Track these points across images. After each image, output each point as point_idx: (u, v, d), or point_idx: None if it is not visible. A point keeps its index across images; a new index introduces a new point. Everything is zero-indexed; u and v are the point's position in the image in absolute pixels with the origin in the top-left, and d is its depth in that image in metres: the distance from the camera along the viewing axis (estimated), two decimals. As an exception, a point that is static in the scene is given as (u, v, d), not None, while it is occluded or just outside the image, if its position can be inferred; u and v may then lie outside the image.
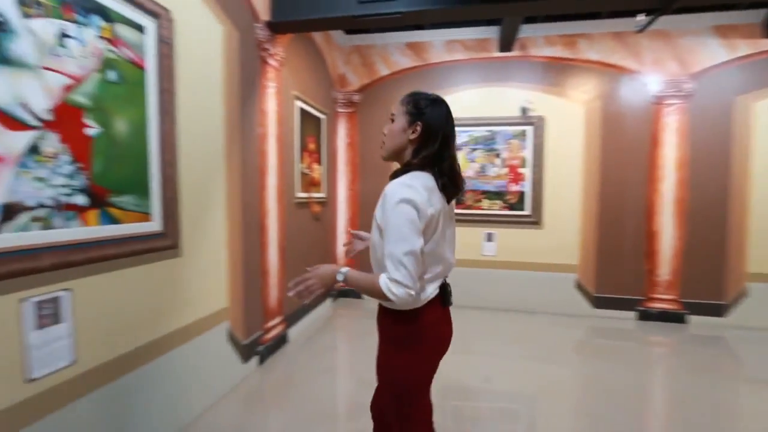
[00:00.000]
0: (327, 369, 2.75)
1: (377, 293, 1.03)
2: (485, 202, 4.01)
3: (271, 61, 2.74)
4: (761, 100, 3.46)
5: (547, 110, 3.85)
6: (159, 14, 1.70)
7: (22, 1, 1.18)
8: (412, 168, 1.10)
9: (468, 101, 3.99)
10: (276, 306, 2.89)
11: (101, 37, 1.45)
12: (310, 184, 3.57)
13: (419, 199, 1.01)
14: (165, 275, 1.82)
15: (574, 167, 3.85)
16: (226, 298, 2.30)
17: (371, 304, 3.31)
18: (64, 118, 1.31)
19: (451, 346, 1.22)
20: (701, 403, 2.30)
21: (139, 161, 1.64)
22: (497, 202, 3.99)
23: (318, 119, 3.72)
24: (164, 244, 1.77)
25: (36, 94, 1.23)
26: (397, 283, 0.98)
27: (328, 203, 4.04)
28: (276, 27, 2.70)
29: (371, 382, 1.31)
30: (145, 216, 1.68)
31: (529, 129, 3.89)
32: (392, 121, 1.17)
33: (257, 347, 2.65)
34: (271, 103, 2.76)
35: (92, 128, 1.42)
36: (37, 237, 1.24)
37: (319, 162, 3.75)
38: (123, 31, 1.54)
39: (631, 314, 3.77)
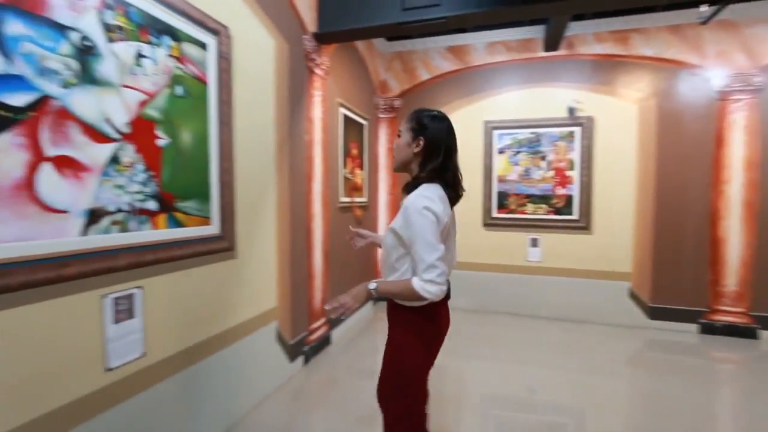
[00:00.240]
0: (368, 371, 2.77)
1: (410, 295, 1.15)
2: (529, 206, 3.90)
3: (318, 71, 2.84)
4: None
5: (597, 110, 3.69)
6: (219, 31, 1.83)
7: (107, 27, 1.31)
8: (421, 181, 1.24)
9: (511, 103, 3.91)
10: (320, 308, 2.96)
11: (170, 56, 1.58)
12: (353, 188, 3.64)
13: (437, 209, 1.15)
14: (222, 275, 1.94)
15: (626, 170, 3.66)
16: (275, 298, 2.40)
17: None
18: (139, 130, 1.44)
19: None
20: (778, 427, 2.09)
21: (200, 169, 1.76)
22: (542, 206, 3.87)
23: (360, 125, 3.79)
24: (222, 246, 1.89)
25: (117, 109, 1.36)
26: (432, 282, 1.11)
27: (370, 207, 4.10)
28: (322, 38, 2.79)
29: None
30: (206, 220, 1.79)
31: (577, 130, 3.74)
32: (399, 136, 1.31)
33: (303, 347, 2.74)
34: (317, 111, 2.86)
35: (162, 139, 1.54)
36: (116, 239, 1.37)
37: (361, 167, 3.82)
38: (189, 49, 1.67)
39: (693, 327, 3.50)
